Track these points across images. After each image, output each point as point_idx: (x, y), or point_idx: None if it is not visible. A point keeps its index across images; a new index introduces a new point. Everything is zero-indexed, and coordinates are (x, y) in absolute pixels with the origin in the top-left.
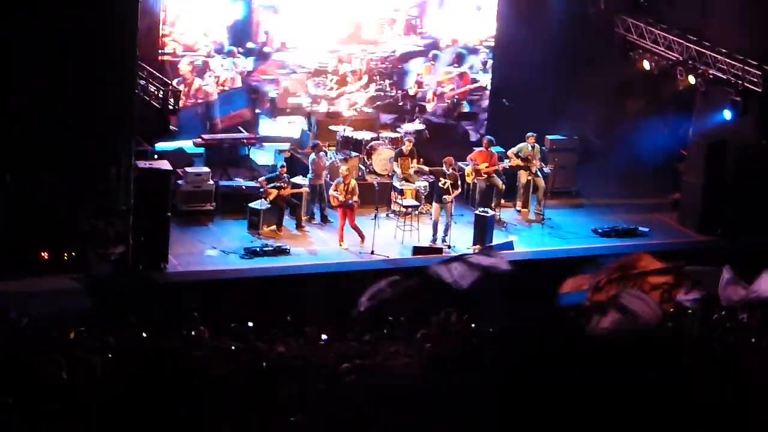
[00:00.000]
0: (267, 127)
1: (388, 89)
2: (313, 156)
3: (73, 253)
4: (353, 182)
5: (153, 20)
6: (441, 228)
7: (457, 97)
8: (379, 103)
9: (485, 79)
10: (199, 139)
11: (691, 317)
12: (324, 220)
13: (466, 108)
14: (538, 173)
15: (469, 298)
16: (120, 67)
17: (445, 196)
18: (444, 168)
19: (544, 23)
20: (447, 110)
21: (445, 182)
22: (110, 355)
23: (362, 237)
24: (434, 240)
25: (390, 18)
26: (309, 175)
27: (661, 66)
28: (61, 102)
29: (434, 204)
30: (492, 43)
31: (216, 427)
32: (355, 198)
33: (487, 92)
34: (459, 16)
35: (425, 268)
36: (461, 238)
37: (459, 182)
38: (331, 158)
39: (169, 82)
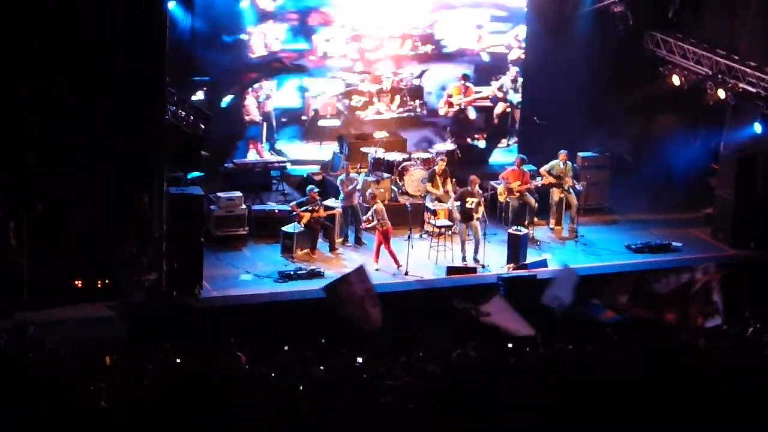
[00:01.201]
0: (298, 150)
1: (418, 110)
2: (342, 177)
3: (107, 281)
4: (378, 205)
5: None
6: (470, 247)
7: (464, 104)
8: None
9: (515, 98)
10: (230, 164)
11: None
12: (358, 242)
13: (472, 114)
14: (571, 190)
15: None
16: (149, 94)
17: (473, 215)
18: (469, 187)
19: (573, 40)
20: (455, 117)
21: (472, 201)
22: (147, 382)
23: (397, 263)
24: (464, 259)
25: (405, 34)
26: (341, 197)
27: (690, 81)
28: (93, 130)
29: (460, 224)
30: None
31: None
32: (375, 223)
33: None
34: (476, 30)
35: None
36: (495, 257)
37: (482, 201)
38: (359, 179)
39: (200, 107)
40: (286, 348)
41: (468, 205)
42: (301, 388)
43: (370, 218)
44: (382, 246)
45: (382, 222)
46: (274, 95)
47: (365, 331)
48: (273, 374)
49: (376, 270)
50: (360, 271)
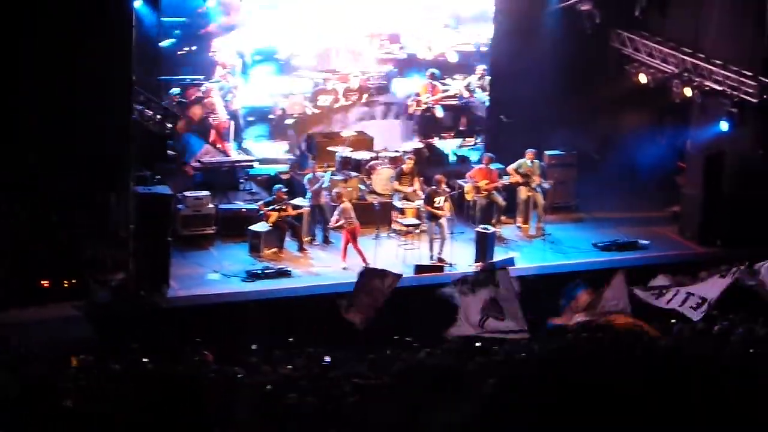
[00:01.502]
0: (265, 148)
1: (385, 108)
2: (309, 176)
3: (74, 281)
4: (345, 204)
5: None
6: (437, 245)
7: (431, 103)
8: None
9: (483, 97)
10: (197, 163)
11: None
12: (326, 241)
13: (439, 113)
14: (538, 189)
15: None
16: (116, 93)
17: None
18: (436, 187)
19: (540, 39)
20: (423, 115)
21: (439, 200)
22: (114, 382)
23: (364, 261)
24: (432, 257)
25: (373, 35)
26: (308, 196)
27: (657, 79)
28: (60, 129)
29: (429, 223)
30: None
31: None
32: (341, 222)
33: (482, 106)
34: (441, 31)
35: None
36: (462, 256)
37: (449, 198)
38: (324, 178)
39: (166, 105)
40: (254, 347)
41: (437, 205)
42: (268, 387)
43: (337, 217)
44: (350, 244)
45: (349, 221)
46: (239, 93)
47: (357, 324)
48: (241, 374)
49: (344, 269)
50: (396, 277)
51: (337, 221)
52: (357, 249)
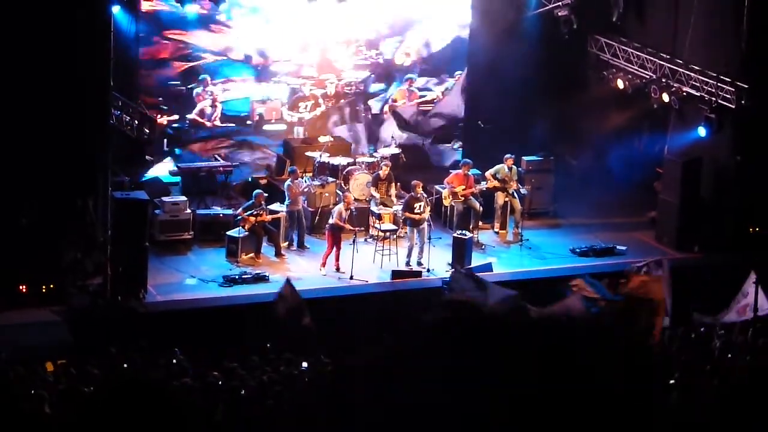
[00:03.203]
0: (243, 154)
1: (363, 113)
2: (288, 182)
3: (52, 286)
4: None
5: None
6: (416, 251)
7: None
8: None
9: (460, 102)
10: (175, 168)
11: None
12: (301, 246)
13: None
14: (515, 194)
15: None
16: (94, 98)
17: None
18: (413, 192)
19: (517, 45)
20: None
21: (419, 206)
22: (92, 387)
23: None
24: (408, 263)
25: (350, 41)
26: (286, 202)
27: (634, 84)
28: (38, 134)
29: (410, 228)
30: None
31: None
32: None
33: (459, 110)
34: (418, 36)
35: None
36: (440, 261)
37: (428, 203)
38: (306, 183)
39: (144, 111)
40: (231, 352)
41: (416, 210)
42: (243, 392)
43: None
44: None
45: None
46: (219, 98)
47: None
48: (218, 379)
49: (323, 275)
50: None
51: (344, 223)
52: (338, 254)
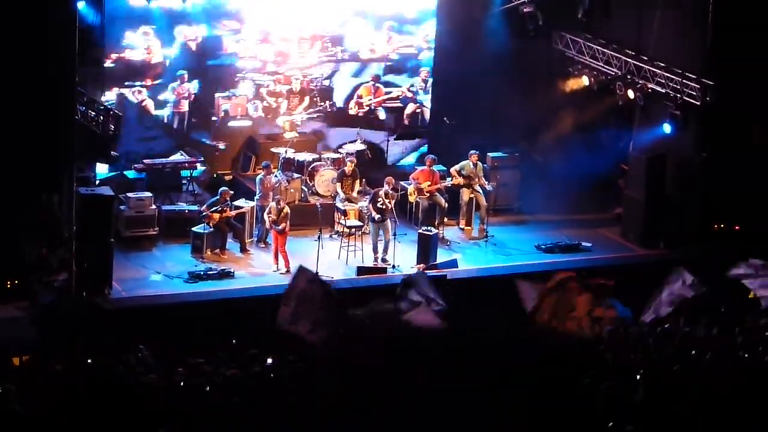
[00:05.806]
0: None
1: (328, 109)
2: (261, 176)
3: (17, 281)
4: (287, 208)
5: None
6: (380, 247)
7: (374, 105)
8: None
9: (426, 99)
10: (141, 164)
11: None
12: (261, 241)
13: (382, 115)
14: (481, 191)
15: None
16: (58, 93)
17: (378, 215)
18: (385, 187)
19: (483, 42)
20: (366, 117)
21: (384, 201)
22: (57, 384)
23: (287, 265)
24: (375, 260)
25: (315, 36)
26: (257, 195)
27: (600, 81)
28: (1, 129)
29: (372, 224)
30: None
31: None
32: (283, 225)
33: (425, 109)
34: (384, 32)
35: None
36: (405, 257)
37: (391, 200)
38: (277, 178)
39: (110, 107)
40: (196, 348)
41: (380, 205)
42: (207, 388)
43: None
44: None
45: (285, 226)
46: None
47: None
48: (184, 375)
49: (281, 273)
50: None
51: (278, 221)
52: (283, 252)
